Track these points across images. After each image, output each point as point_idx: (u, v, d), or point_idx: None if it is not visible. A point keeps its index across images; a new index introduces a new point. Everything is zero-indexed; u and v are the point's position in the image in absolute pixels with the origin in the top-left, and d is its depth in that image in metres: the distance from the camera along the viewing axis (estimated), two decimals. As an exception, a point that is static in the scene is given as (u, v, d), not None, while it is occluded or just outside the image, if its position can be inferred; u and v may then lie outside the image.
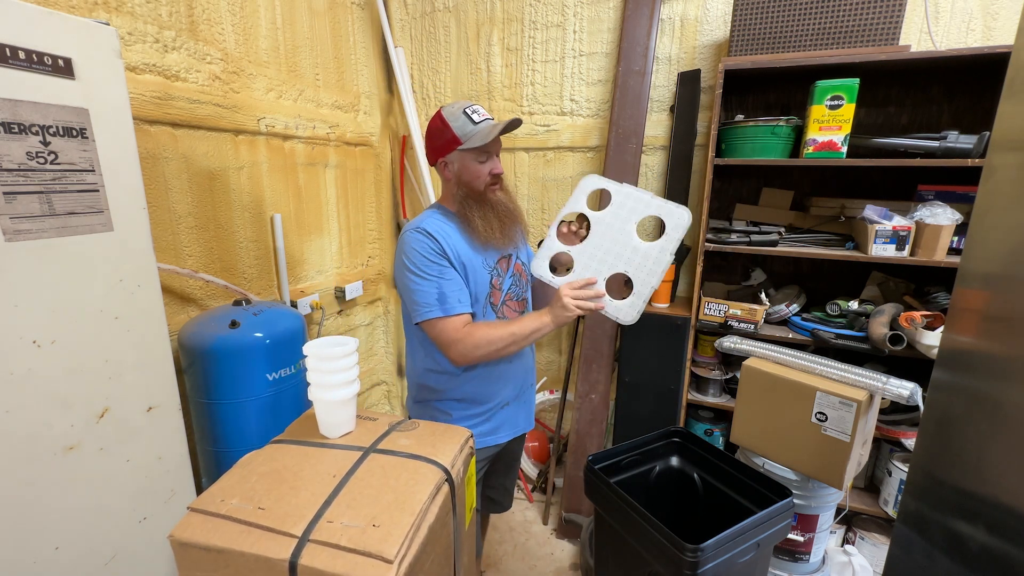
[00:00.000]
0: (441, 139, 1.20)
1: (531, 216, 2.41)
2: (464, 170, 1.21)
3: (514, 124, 1.18)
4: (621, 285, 1.17)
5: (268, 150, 1.83)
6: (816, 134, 1.60)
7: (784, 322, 1.86)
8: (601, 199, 1.18)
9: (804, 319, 1.81)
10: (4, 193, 0.86)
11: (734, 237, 1.79)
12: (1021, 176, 0.69)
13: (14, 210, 0.88)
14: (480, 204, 1.23)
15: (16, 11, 0.86)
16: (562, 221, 1.23)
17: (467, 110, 1.18)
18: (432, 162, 1.27)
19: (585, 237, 1.18)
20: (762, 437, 1.48)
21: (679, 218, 1.05)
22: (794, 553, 1.48)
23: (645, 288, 1.11)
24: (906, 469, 1.64)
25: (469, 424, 1.28)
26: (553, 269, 1.24)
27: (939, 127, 1.70)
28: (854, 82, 1.54)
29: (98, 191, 1.00)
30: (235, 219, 1.72)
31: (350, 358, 0.96)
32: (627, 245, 1.11)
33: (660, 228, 1.13)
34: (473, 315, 1.23)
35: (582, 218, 1.19)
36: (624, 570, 1.24)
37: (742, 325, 1.80)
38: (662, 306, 1.95)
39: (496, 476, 1.52)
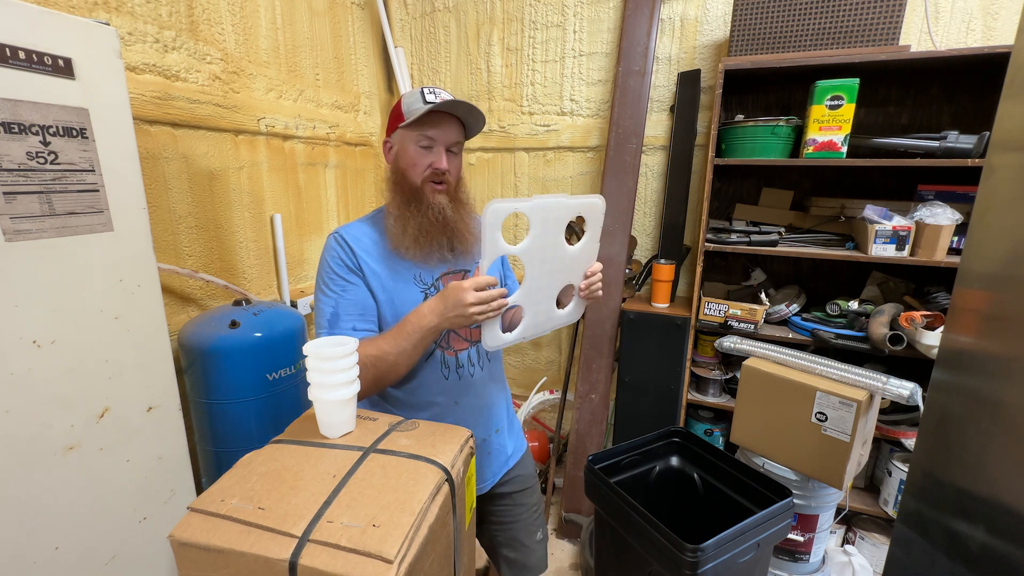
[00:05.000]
0: (392, 117, 1.07)
1: (531, 216, 2.41)
2: (402, 152, 1.05)
3: (467, 110, 1.01)
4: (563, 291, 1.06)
5: (268, 150, 1.83)
6: (816, 134, 1.60)
7: (784, 322, 1.86)
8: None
9: (804, 319, 1.81)
10: (4, 193, 0.86)
11: (734, 237, 1.79)
12: (1021, 176, 0.69)
13: (14, 210, 0.88)
14: (410, 202, 1.05)
15: (16, 11, 0.86)
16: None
17: (425, 88, 1.03)
18: (383, 150, 1.12)
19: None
20: (762, 437, 1.48)
21: (595, 207, 0.97)
22: (794, 553, 1.48)
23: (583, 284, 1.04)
24: (906, 469, 1.64)
25: None
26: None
27: (939, 127, 1.70)
28: (854, 82, 1.54)
29: (98, 191, 1.00)
30: (235, 219, 1.72)
31: (350, 358, 0.96)
32: (562, 259, 0.98)
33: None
34: None
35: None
36: (624, 570, 1.24)
37: (742, 325, 1.80)
38: (662, 306, 1.95)
39: (495, 529, 1.29)
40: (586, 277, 1.05)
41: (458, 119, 1.06)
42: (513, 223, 2.43)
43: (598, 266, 1.06)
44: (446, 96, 1.03)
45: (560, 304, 1.06)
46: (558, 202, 0.91)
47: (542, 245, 0.93)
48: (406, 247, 1.05)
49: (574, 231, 0.93)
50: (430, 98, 1.01)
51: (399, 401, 1.13)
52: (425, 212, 1.05)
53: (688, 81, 1.95)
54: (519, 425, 1.37)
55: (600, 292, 1.07)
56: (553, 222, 0.92)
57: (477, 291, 0.91)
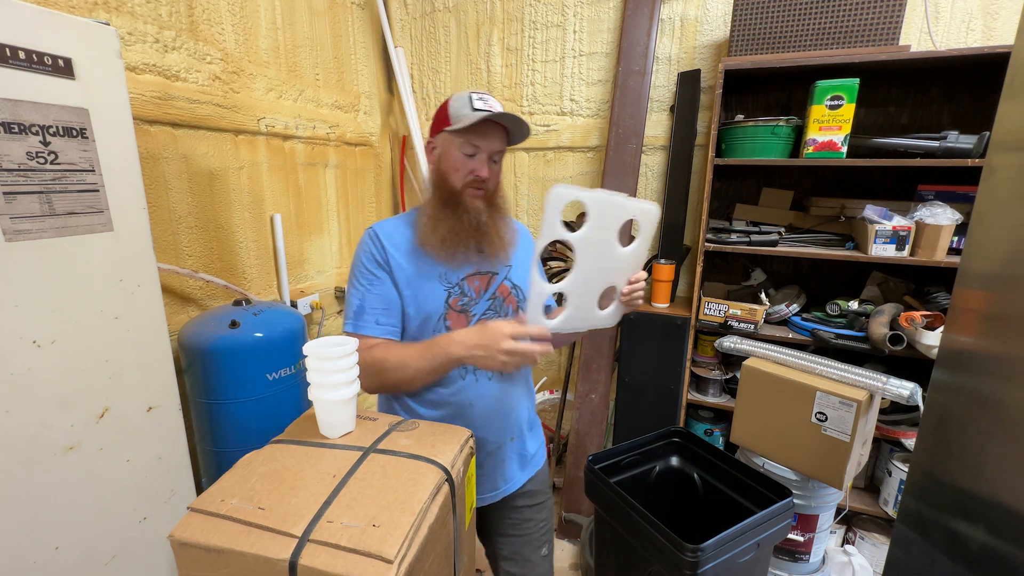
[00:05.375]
0: (437, 118, 1.08)
1: (530, 216, 2.41)
2: (445, 156, 1.06)
3: (514, 122, 1.02)
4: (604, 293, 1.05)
5: (268, 150, 1.83)
6: (816, 134, 1.60)
7: (784, 322, 1.86)
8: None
9: (804, 319, 1.81)
10: (4, 193, 0.86)
11: (734, 237, 1.79)
12: (1021, 176, 0.69)
13: (14, 210, 0.88)
14: (447, 204, 1.06)
15: (16, 11, 0.86)
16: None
17: (474, 94, 1.04)
18: (426, 149, 1.13)
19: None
20: (762, 437, 1.48)
21: (650, 214, 0.98)
22: (794, 553, 1.48)
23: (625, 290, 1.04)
24: (906, 469, 1.64)
25: None
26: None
27: (939, 127, 1.70)
28: (854, 82, 1.54)
29: (98, 191, 1.00)
30: (235, 219, 1.72)
31: (350, 358, 0.96)
32: (612, 256, 0.98)
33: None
34: (413, 339, 1.07)
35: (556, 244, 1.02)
36: (624, 570, 1.24)
37: (742, 325, 1.80)
38: (662, 306, 1.95)
39: (500, 541, 1.26)
40: (630, 283, 1.05)
41: (503, 127, 1.06)
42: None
43: (642, 274, 1.06)
44: (494, 104, 1.05)
45: (602, 305, 1.06)
46: (617, 200, 0.92)
47: (597, 239, 0.93)
48: (432, 246, 1.06)
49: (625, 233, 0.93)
50: (479, 105, 1.02)
51: (412, 397, 1.12)
52: (460, 216, 1.05)
53: (688, 81, 1.95)
54: (542, 438, 1.34)
55: (640, 301, 1.08)
56: (609, 218, 0.92)
57: (515, 338, 0.90)
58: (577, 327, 1.03)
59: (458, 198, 1.05)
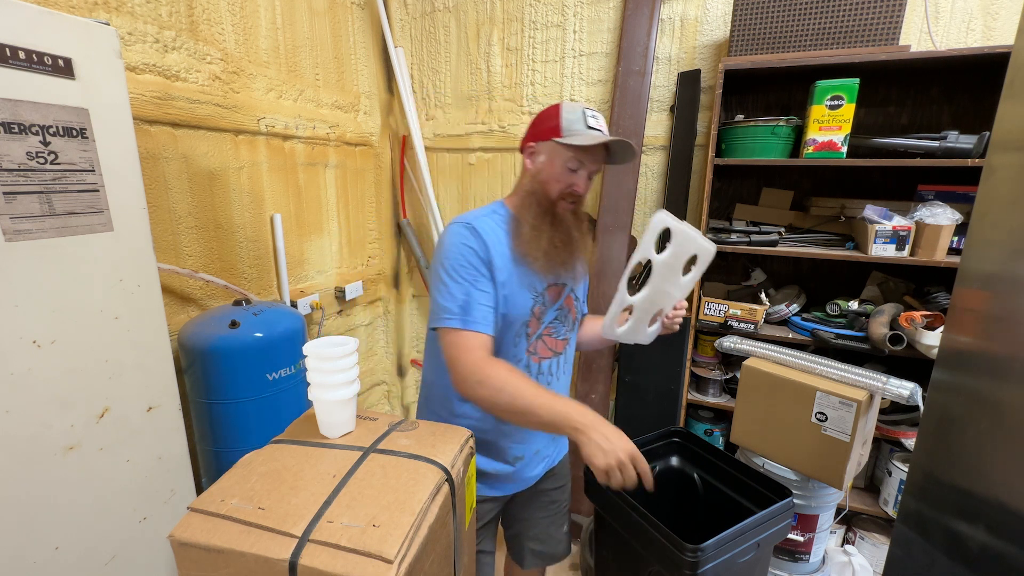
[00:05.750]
0: (544, 124, 1.07)
1: (531, 216, 2.41)
2: (548, 165, 1.06)
3: (625, 148, 1.05)
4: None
5: (268, 150, 1.83)
6: (816, 134, 1.60)
7: (784, 322, 1.86)
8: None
9: (804, 319, 1.81)
10: (4, 193, 0.86)
11: (734, 237, 1.79)
12: (1021, 176, 0.69)
13: (14, 210, 0.88)
14: (542, 213, 1.06)
15: (16, 11, 0.86)
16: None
17: (587, 111, 1.05)
18: (522, 146, 1.11)
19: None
20: (762, 437, 1.48)
21: (709, 252, 1.04)
22: (794, 553, 1.48)
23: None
24: (906, 469, 1.64)
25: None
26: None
27: (939, 127, 1.70)
28: (854, 82, 1.54)
29: (98, 191, 1.00)
30: (235, 219, 1.72)
31: (350, 358, 0.96)
32: (672, 283, 1.07)
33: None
34: (496, 342, 1.06)
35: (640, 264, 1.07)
36: (624, 570, 1.24)
37: (742, 325, 1.80)
38: (662, 306, 1.95)
39: (526, 523, 1.34)
40: (675, 308, 1.13)
41: (605, 145, 1.07)
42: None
43: (685, 303, 1.15)
44: (603, 123, 1.07)
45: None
46: (692, 235, 1.00)
47: (671, 264, 1.03)
48: (535, 257, 1.06)
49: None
50: (592, 123, 1.04)
51: (467, 404, 1.12)
52: (556, 227, 1.07)
53: (688, 81, 1.95)
54: None
55: (678, 327, 1.17)
56: (683, 249, 1.01)
57: (630, 462, 0.88)
58: (630, 338, 1.13)
59: (553, 209, 1.07)
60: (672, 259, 1.02)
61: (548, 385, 1.17)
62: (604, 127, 1.06)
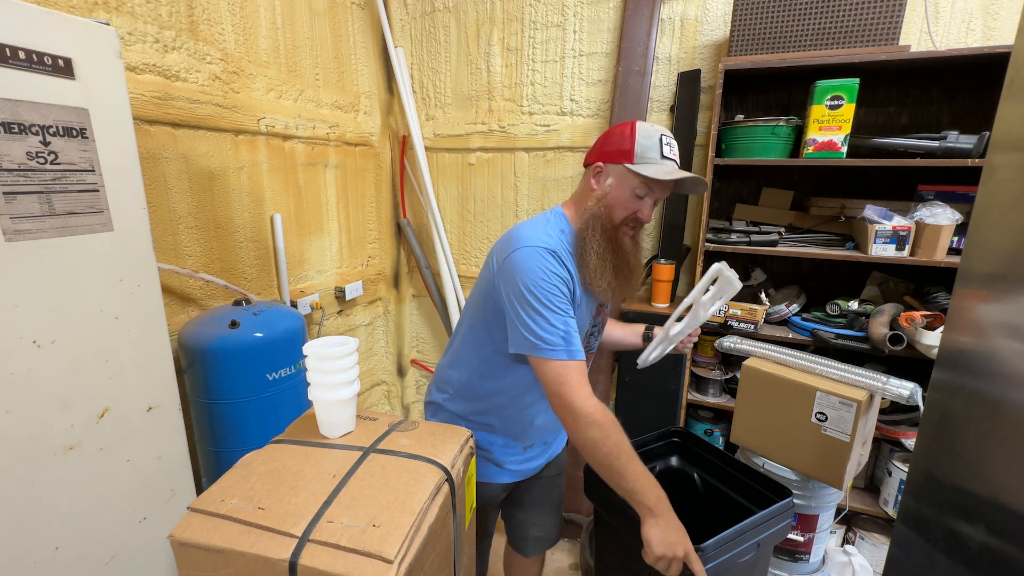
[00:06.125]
0: (616, 145, 1.04)
1: (530, 216, 2.40)
2: (616, 189, 1.03)
3: (695, 183, 1.05)
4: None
5: (268, 150, 1.83)
6: (816, 134, 1.60)
7: (784, 322, 1.86)
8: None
9: (804, 319, 1.81)
10: (4, 193, 0.86)
11: (734, 237, 1.79)
12: (1021, 176, 0.69)
13: (14, 210, 0.88)
14: (607, 240, 1.04)
15: (16, 11, 0.86)
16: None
17: (664, 138, 1.02)
18: (589, 161, 1.09)
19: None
20: (762, 437, 1.48)
21: (735, 290, 1.09)
22: (794, 553, 1.48)
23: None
24: (906, 469, 1.64)
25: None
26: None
27: (939, 127, 1.70)
28: (854, 82, 1.54)
29: (98, 191, 1.00)
30: (235, 219, 1.72)
31: (350, 358, 0.96)
32: (698, 317, 1.17)
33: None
34: None
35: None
36: (624, 570, 1.24)
37: (742, 325, 1.80)
38: (662, 306, 1.95)
39: (528, 511, 1.40)
40: (689, 335, 1.24)
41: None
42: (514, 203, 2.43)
43: (699, 330, 1.23)
44: (676, 152, 1.05)
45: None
46: (734, 282, 1.06)
47: (708, 304, 1.12)
48: (600, 288, 1.05)
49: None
50: (667, 153, 1.02)
51: (498, 396, 1.17)
52: (619, 255, 1.06)
53: (688, 81, 1.95)
54: None
55: (688, 351, 1.31)
56: (721, 291, 1.08)
57: (682, 562, 0.93)
58: (647, 360, 1.28)
59: (616, 234, 1.06)
60: (710, 300, 1.11)
61: None
62: (677, 155, 1.05)
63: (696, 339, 1.28)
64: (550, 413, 1.17)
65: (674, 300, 2.03)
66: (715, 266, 1.05)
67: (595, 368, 2.07)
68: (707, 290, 1.10)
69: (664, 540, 0.92)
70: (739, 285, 1.07)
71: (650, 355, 1.27)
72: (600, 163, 1.06)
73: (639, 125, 1.04)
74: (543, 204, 2.38)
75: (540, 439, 1.28)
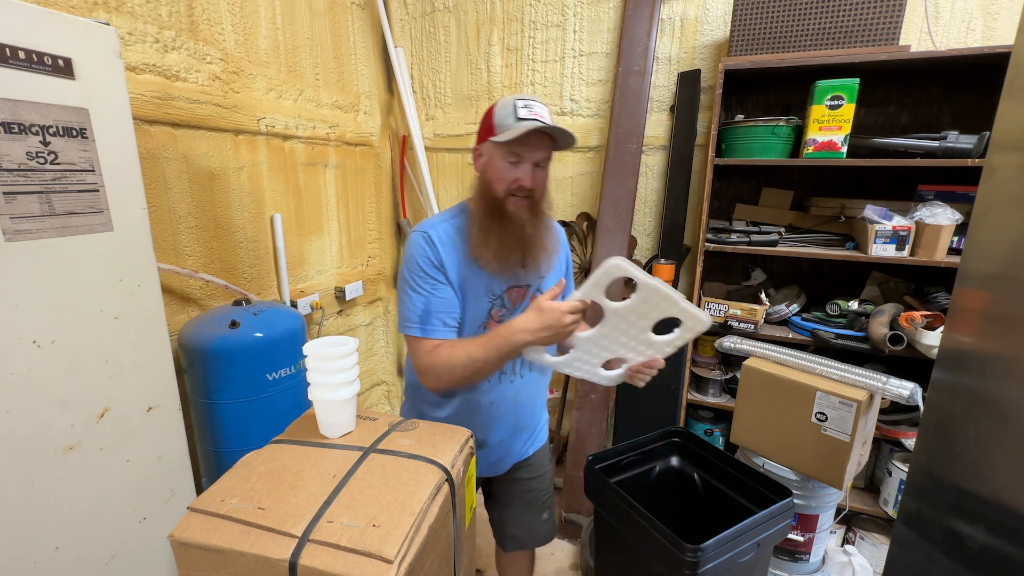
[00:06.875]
0: (484, 126, 1.08)
1: (531, 216, 2.41)
2: (489, 166, 1.07)
3: (560, 132, 1.02)
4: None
5: (268, 150, 1.83)
6: (816, 134, 1.60)
7: (784, 322, 1.86)
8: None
9: (804, 319, 1.81)
10: (4, 193, 0.86)
11: (734, 237, 1.79)
12: (1021, 176, 0.69)
13: (14, 210, 0.88)
14: (493, 213, 1.07)
15: (16, 11, 0.86)
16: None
17: (519, 101, 1.03)
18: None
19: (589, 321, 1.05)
20: (762, 437, 1.48)
21: (699, 323, 0.96)
22: (794, 553, 1.48)
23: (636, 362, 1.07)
24: (906, 469, 1.64)
25: None
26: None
27: (939, 127, 1.70)
28: (854, 82, 1.54)
29: (98, 191, 1.00)
30: (235, 219, 1.72)
31: (350, 358, 0.96)
32: (637, 338, 1.00)
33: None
34: None
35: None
36: (624, 570, 1.24)
37: (742, 325, 1.80)
38: (662, 306, 1.95)
39: (505, 509, 1.38)
40: (645, 365, 1.06)
41: (548, 134, 1.06)
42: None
43: (661, 363, 1.07)
44: (540, 110, 1.04)
45: (608, 366, 1.08)
46: (673, 297, 0.91)
47: (631, 318, 0.96)
48: (486, 260, 1.07)
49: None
50: (523, 114, 1.02)
51: (446, 392, 1.18)
52: (506, 226, 1.06)
53: (688, 81, 1.95)
54: (546, 418, 1.41)
55: (642, 384, 1.10)
56: (655, 308, 0.93)
57: (571, 312, 0.94)
58: (574, 373, 1.08)
59: (502, 207, 1.06)
60: (631, 313, 0.94)
61: (511, 384, 1.20)
62: (540, 115, 1.03)
63: (653, 373, 1.08)
64: (486, 409, 1.19)
65: (674, 300, 2.03)
66: (609, 263, 0.87)
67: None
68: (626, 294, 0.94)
69: (557, 330, 0.95)
70: (679, 299, 0.91)
71: (546, 355, 1.03)
72: (477, 147, 1.11)
73: (500, 101, 1.06)
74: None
75: (492, 437, 1.23)
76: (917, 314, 1.54)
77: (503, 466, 1.30)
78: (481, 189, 1.10)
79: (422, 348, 1.06)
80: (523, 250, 1.09)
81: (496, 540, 1.46)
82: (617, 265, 0.87)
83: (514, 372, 1.21)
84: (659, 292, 0.90)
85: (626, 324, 0.97)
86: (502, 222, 1.07)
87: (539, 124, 0.99)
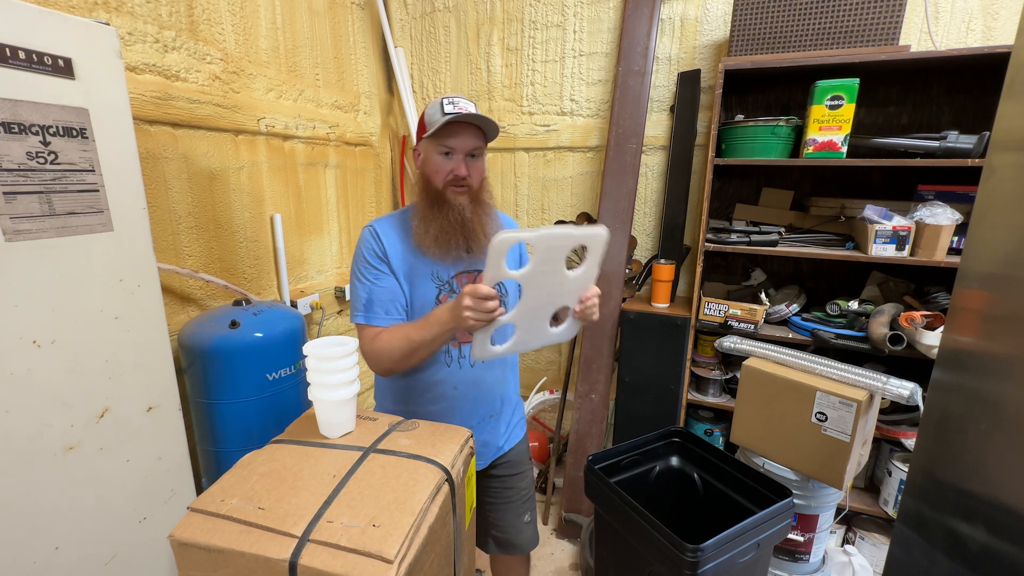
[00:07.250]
0: (419, 127, 1.17)
1: (530, 216, 2.41)
2: (427, 161, 1.15)
3: (482, 120, 1.07)
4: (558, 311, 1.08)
5: (268, 150, 1.83)
6: (816, 134, 1.60)
7: (784, 322, 1.86)
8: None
9: (804, 319, 1.81)
10: (4, 193, 0.86)
11: (734, 237, 1.78)
12: (1021, 176, 0.69)
13: (14, 210, 0.88)
14: (432, 203, 1.13)
15: (16, 11, 0.86)
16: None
17: (445, 100, 1.11)
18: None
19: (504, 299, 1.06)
20: (762, 437, 1.48)
21: (600, 237, 0.96)
22: (794, 553, 1.48)
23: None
24: (906, 469, 1.64)
25: None
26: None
27: (939, 127, 1.70)
28: (854, 82, 1.54)
29: (98, 191, 1.00)
30: (235, 219, 1.72)
31: (350, 358, 0.96)
32: (559, 283, 1.00)
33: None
34: None
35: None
36: (624, 570, 1.24)
37: (742, 325, 1.80)
38: (662, 306, 1.95)
39: (486, 509, 1.37)
40: (581, 301, 1.05)
41: (477, 126, 1.13)
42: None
43: (595, 291, 1.05)
44: (464, 105, 1.11)
45: (558, 321, 1.08)
46: (563, 232, 0.93)
47: (543, 271, 0.95)
48: (427, 246, 1.13)
49: (576, 255, 0.95)
50: (448, 109, 1.09)
51: (407, 380, 1.22)
52: (446, 214, 1.13)
53: (688, 81, 1.95)
54: (522, 414, 1.42)
55: (595, 316, 1.08)
56: (555, 250, 0.94)
57: (475, 298, 0.93)
58: (529, 348, 1.09)
59: (442, 197, 1.13)
60: (539, 267, 0.94)
61: (471, 367, 1.22)
62: (464, 108, 1.09)
63: (595, 301, 1.06)
64: (450, 395, 1.21)
65: (674, 300, 2.03)
66: (496, 239, 0.86)
67: (595, 368, 2.07)
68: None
69: (457, 312, 0.95)
70: (568, 230, 0.92)
71: (490, 346, 1.01)
72: (415, 146, 1.19)
73: (430, 103, 1.14)
74: (543, 204, 2.39)
75: (457, 420, 1.22)
76: (917, 314, 1.54)
77: (482, 461, 1.30)
78: (423, 184, 1.16)
79: (366, 335, 1.13)
80: (464, 235, 1.14)
81: (477, 541, 1.39)
82: (501, 239, 0.87)
83: (462, 355, 1.21)
84: (548, 236, 0.91)
85: (542, 279, 0.97)
86: (441, 209, 1.13)
87: (460, 114, 1.07)
